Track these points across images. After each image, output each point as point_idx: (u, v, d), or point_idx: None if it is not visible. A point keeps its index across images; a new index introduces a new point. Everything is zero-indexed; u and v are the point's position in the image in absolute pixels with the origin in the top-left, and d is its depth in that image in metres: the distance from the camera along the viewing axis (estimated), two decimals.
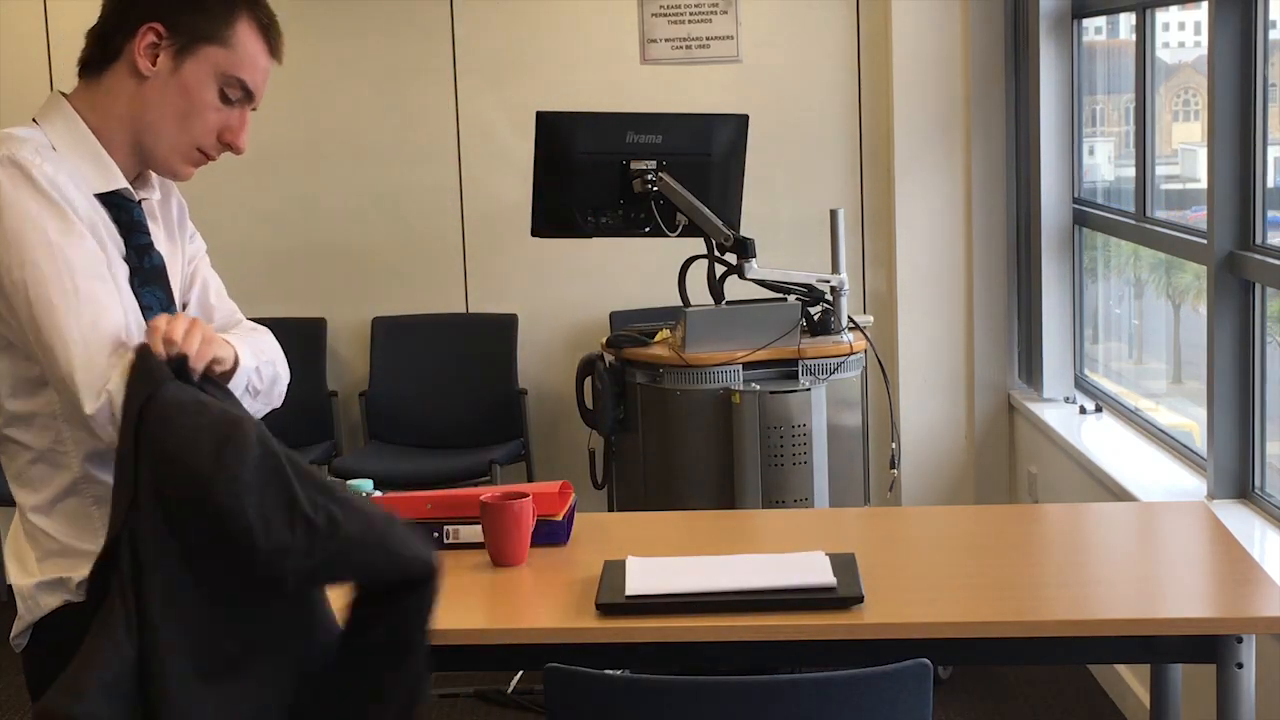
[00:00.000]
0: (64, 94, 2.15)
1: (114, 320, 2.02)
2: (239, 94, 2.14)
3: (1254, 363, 3.83)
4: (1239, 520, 3.67)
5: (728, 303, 4.25)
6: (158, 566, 1.87)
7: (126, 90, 2.09)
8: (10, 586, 2.15)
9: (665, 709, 2.29)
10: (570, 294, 5.66)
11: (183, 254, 2.27)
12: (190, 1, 2.09)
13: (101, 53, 2.11)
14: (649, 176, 4.17)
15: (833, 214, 4.31)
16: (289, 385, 2.28)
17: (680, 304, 4.27)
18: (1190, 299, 4.57)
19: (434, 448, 5.57)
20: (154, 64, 2.08)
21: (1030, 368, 5.35)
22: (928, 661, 2.28)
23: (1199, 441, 4.24)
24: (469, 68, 5.65)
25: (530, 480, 5.43)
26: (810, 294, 4.24)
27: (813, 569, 2.65)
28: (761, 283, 4.25)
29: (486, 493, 2.89)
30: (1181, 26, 4.61)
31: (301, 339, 5.38)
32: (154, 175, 2.21)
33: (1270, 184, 3.74)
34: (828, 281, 4.24)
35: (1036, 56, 5.09)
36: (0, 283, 2.01)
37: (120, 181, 2.12)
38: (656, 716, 2.30)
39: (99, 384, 1.98)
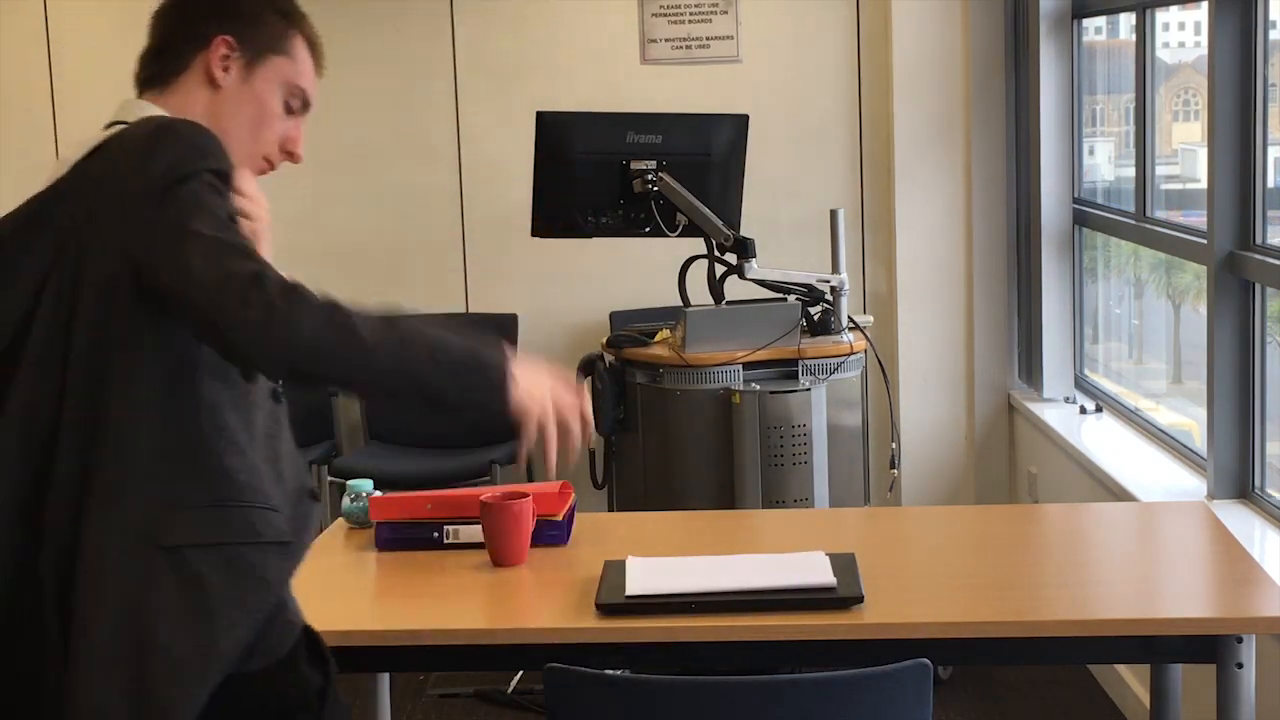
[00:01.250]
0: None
1: None
2: (299, 104, 2.20)
3: (1254, 363, 3.83)
4: (1239, 520, 3.67)
5: (728, 303, 4.25)
6: None
7: (200, 101, 2.13)
8: None
9: (665, 709, 2.29)
10: (570, 294, 5.66)
11: None
12: (254, 16, 2.15)
13: (164, 68, 2.14)
14: (649, 176, 4.17)
15: (833, 214, 4.31)
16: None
17: (680, 304, 4.27)
18: (1190, 299, 4.57)
19: (434, 448, 5.57)
20: (228, 74, 2.13)
21: (1030, 368, 5.35)
22: (928, 661, 2.28)
23: (1198, 441, 4.24)
24: (469, 68, 5.65)
25: (530, 480, 5.42)
26: (810, 294, 4.24)
27: (813, 569, 2.65)
28: (761, 283, 4.25)
29: (486, 493, 2.89)
30: (1181, 26, 4.61)
31: None
32: None
33: (1270, 184, 3.74)
34: (828, 281, 4.24)
35: (1036, 56, 5.09)
36: None
37: None
38: (656, 716, 2.30)
39: None
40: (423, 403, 2.00)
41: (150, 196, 1.92)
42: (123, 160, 1.96)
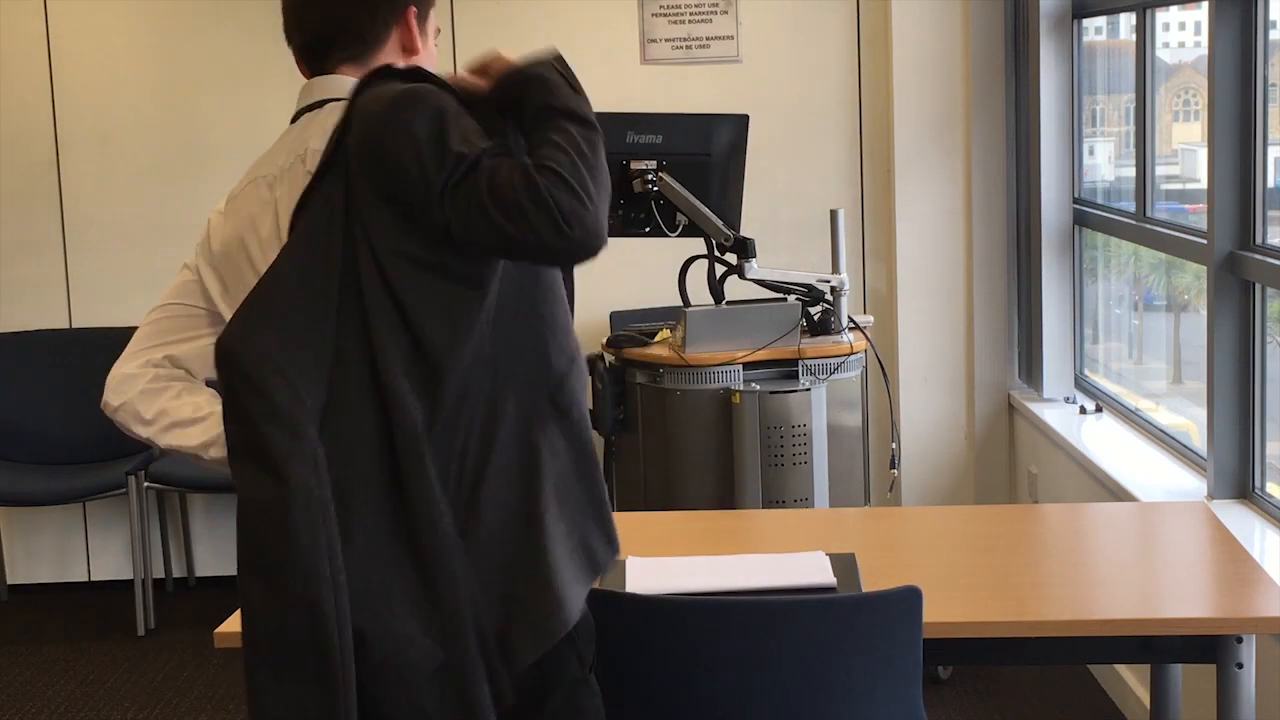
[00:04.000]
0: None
1: None
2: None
3: (1254, 363, 3.83)
4: (1239, 520, 3.67)
5: (728, 303, 4.25)
6: None
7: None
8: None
9: (666, 627, 2.33)
10: None
11: None
12: None
13: (362, 42, 2.30)
14: (649, 176, 4.17)
15: (833, 214, 4.31)
16: None
17: (680, 304, 4.27)
18: (1190, 299, 4.57)
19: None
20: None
21: (1030, 368, 5.35)
22: (918, 587, 2.36)
23: (1197, 441, 4.24)
24: None
25: None
26: (810, 294, 4.25)
27: (813, 569, 2.65)
28: (761, 283, 4.25)
29: None
30: (1181, 26, 4.61)
31: None
32: None
33: (1270, 184, 3.74)
34: (828, 281, 4.24)
35: (1036, 56, 5.09)
36: None
37: None
38: (658, 635, 2.35)
39: None
40: None
41: None
42: None
